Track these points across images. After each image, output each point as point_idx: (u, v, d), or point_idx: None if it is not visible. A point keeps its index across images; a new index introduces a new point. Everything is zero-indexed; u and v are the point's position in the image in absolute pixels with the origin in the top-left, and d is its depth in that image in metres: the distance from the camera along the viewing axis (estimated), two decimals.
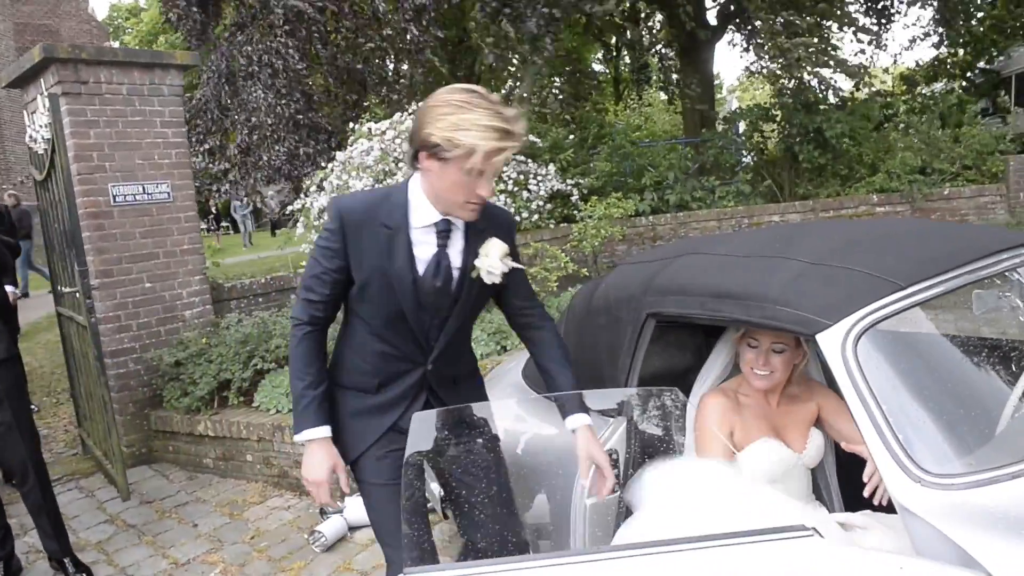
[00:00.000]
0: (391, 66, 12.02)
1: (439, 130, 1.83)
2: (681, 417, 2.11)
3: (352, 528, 4.21)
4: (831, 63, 10.73)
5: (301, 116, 11.06)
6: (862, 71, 12.11)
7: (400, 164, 8.63)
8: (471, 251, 2.07)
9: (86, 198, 5.11)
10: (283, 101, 10.88)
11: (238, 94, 11.10)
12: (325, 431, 2.09)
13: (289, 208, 9.70)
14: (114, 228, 5.30)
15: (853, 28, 12.99)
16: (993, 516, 1.56)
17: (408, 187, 2.05)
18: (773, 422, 2.32)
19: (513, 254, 2.14)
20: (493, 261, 2.05)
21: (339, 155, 9.22)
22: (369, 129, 9.33)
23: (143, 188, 5.43)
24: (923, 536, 1.56)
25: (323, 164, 11.07)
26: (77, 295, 4.89)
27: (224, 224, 25.62)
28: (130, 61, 5.30)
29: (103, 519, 4.64)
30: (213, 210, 24.61)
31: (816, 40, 10.24)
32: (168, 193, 5.57)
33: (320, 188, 9.26)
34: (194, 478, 5.24)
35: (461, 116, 1.82)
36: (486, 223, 2.07)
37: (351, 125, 10.10)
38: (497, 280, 2.08)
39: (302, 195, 9.67)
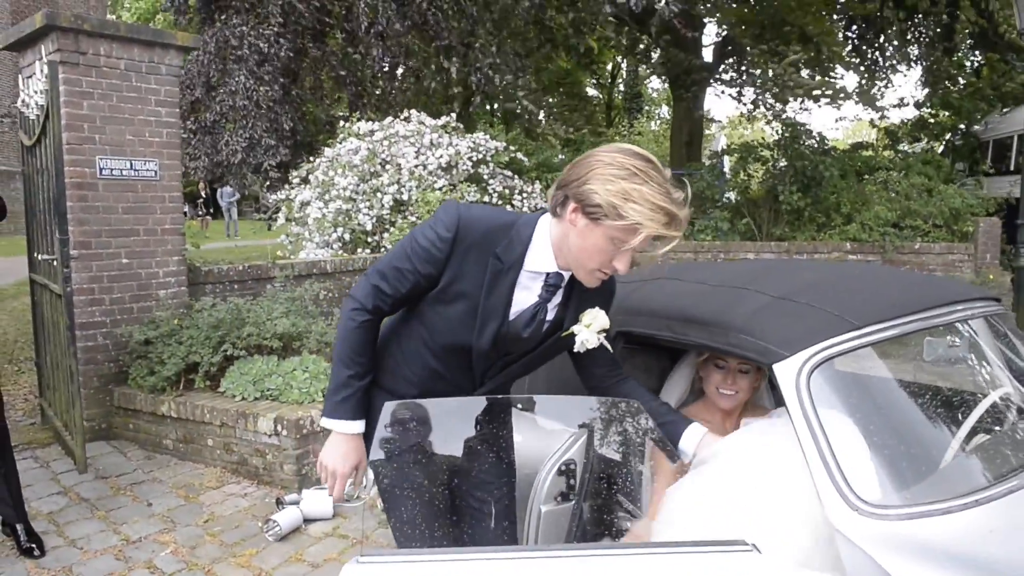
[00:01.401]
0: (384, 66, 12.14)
1: (606, 192, 1.69)
2: (643, 429, 2.19)
3: (308, 520, 4.23)
4: (826, 91, 11.04)
5: (276, 105, 11.13)
6: (872, 100, 12.43)
7: (387, 167, 8.72)
8: (569, 309, 1.97)
9: (73, 168, 5.11)
10: (263, 87, 10.95)
11: (227, 74, 11.16)
12: (360, 426, 1.98)
13: (273, 198, 9.72)
14: (97, 201, 5.30)
15: (837, 63, 13.40)
16: (923, 548, 1.66)
17: (536, 225, 1.90)
18: None
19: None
20: (591, 335, 1.95)
21: (327, 151, 9.29)
22: (359, 129, 9.41)
23: (131, 164, 5.44)
24: (856, 561, 1.65)
25: (278, 159, 11.20)
26: (54, 263, 4.88)
27: (211, 211, 25.28)
28: (131, 37, 5.33)
29: (56, 490, 4.61)
30: (203, 194, 24.33)
31: (802, 65, 10.56)
32: (155, 171, 5.58)
33: (305, 181, 9.31)
34: (152, 458, 5.22)
35: (634, 186, 1.69)
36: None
37: (342, 124, 10.17)
38: (579, 347, 1.99)
39: (286, 186, 9.72)
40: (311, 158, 9.59)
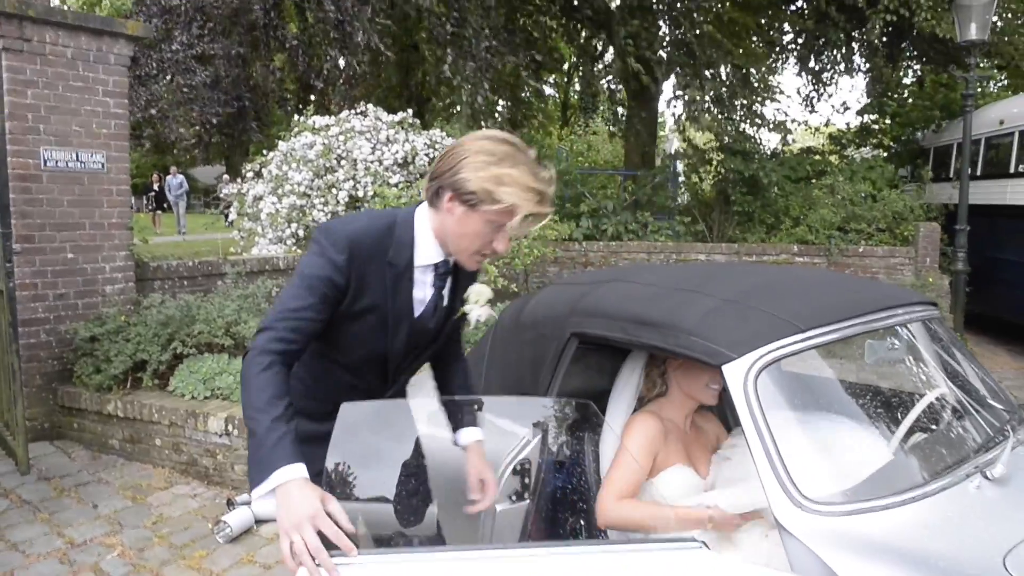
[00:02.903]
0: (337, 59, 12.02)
1: (479, 179, 1.75)
2: (596, 430, 2.23)
3: (259, 521, 4.17)
4: (760, 119, 11.32)
5: (218, 60, 10.99)
6: (788, 127, 12.79)
7: (342, 162, 8.64)
8: (456, 290, 2.03)
9: (16, 159, 4.97)
10: (203, 44, 10.82)
11: (168, 34, 11.00)
12: (303, 469, 1.65)
13: (225, 191, 9.55)
14: (41, 193, 5.16)
15: (779, 91, 13.84)
16: (863, 543, 1.73)
17: (414, 221, 1.94)
18: (687, 448, 2.47)
19: None
20: (482, 309, 2.02)
21: (281, 145, 9.15)
22: (313, 123, 9.30)
23: (76, 155, 5.30)
24: (798, 554, 1.72)
25: (218, 113, 11.03)
26: None
27: (163, 205, 24.41)
28: (79, 25, 5.19)
29: None
30: (155, 188, 23.58)
31: (758, 87, 10.79)
32: (102, 164, 5.45)
33: (258, 176, 9.17)
34: (97, 458, 5.10)
35: (503, 170, 1.75)
36: None
37: (297, 117, 10.04)
38: (474, 324, 2.08)
39: (238, 180, 9.56)
40: (260, 138, 9.41)
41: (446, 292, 2.02)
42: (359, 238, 1.87)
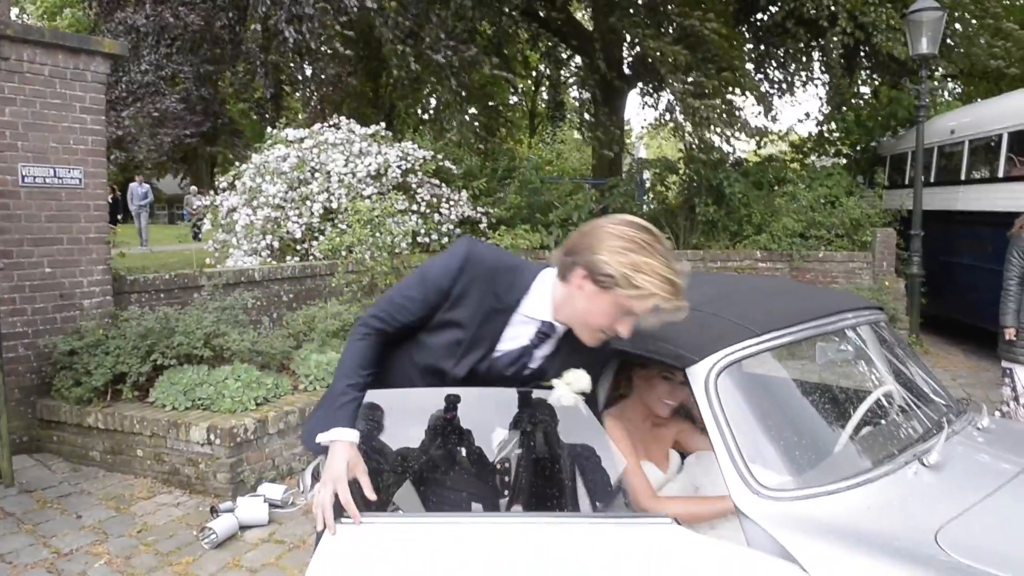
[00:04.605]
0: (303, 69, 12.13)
1: (617, 263, 1.78)
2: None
3: (243, 527, 4.30)
4: (735, 125, 11.60)
5: (188, 81, 11.05)
6: (763, 133, 13.10)
7: (316, 174, 8.75)
8: (555, 362, 2.02)
9: None
10: (172, 64, 10.89)
11: (137, 54, 11.03)
12: (355, 435, 1.91)
13: (198, 203, 9.59)
14: (19, 209, 5.21)
15: (755, 93, 14.16)
16: (812, 524, 1.93)
17: (539, 277, 1.98)
18: (647, 445, 2.66)
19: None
20: (568, 393, 1.98)
21: (255, 157, 9.24)
22: (287, 135, 9.40)
23: (54, 171, 5.37)
24: (755, 535, 1.91)
25: (190, 132, 11.06)
26: None
27: (119, 216, 23.76)
28: (56, 43, 5.27)
29: None
30: (109, 199, 23.11)
31: (719, 102, 11.06)
32: (80, 179, 5.52)
33: (232, 187, 9.24)
34: (78, 470, 5.16)
35: (643, 258, 1.79)
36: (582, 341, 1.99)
37: (269, 130, 10.12)
38: (553, 401, 2.03)
39: (210, 192, 9.61)
40: (232, 153, 9.53)
41: (540, 355, 2.02)
42: (479, 258, 1.95)
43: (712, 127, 10.79)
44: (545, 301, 1.96)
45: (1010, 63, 12.32)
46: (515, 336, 2.00)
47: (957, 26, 12.10)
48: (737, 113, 12.15)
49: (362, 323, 2.00)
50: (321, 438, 1.90)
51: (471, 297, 1.94)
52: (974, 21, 12.55)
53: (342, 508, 1.84)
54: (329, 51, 11.18)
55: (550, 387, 2.03)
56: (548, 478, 2.55)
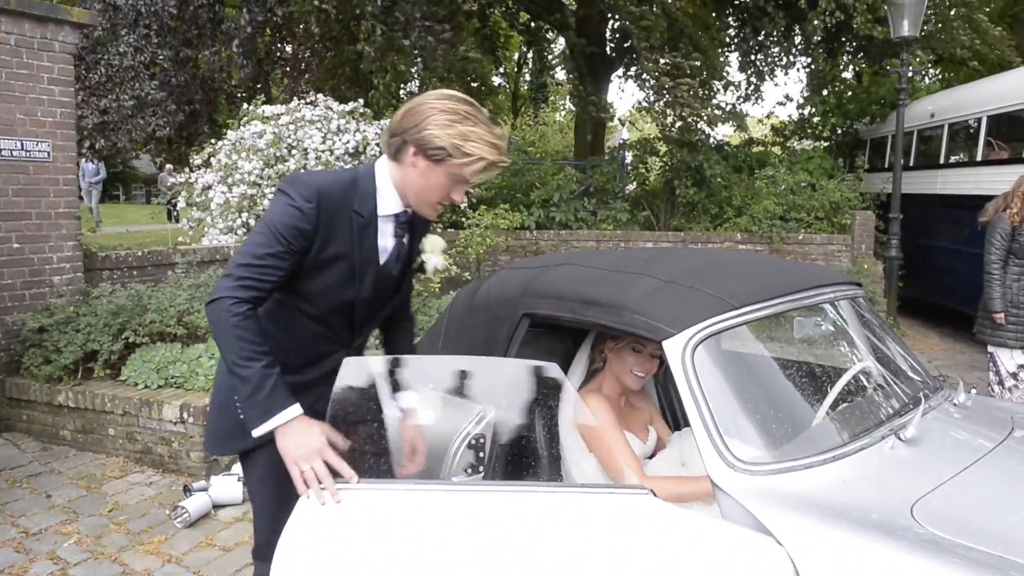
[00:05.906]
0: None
1: (447, 136, 1.90)
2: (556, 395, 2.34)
3: (217, 506, 4.24)
4: (708, 108, 11.58)
5: (168, 64, 10.86)
6: (739, 116, 13.11)
7: (293, 151, 8.61)
8: (415, 243, 2.20)
9: None
10: (151, 48, 10.70)
11: (115, 35, 10.83)
12: (300, 408, 1.92)
13: (172, 182, 9.42)
14: None
15: (724, 81, 14.18)
16: (787, 497, 1.91)
17: (375, 174, 2.07)
18: (626, 421, 2.64)
19: None
20: (438, 258, 2.20)
21: (230, 134, 9.07)
22: (263, 112, 9.23)
23: (21, 144, 5.23)
24: (730, 509, 1.89)
25: (169, 120, 10.87)
26: None
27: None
28: (22, 12, 5.11)
29: None
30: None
31: (694, 81, 11.02)
32: (48, 152, 5.38)
33: (207, 165, 9.07)
34: (48, 449, 5.07)
35: (468, 128, 1.91)
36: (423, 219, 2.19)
37: (245, 106, 9.94)
38: (431, 272, 2.25)
39: (185, 170, 9.44)
40: (212, 138, 9.36)
41: (405, 241, 2.16)
42: (327, 188, 1.99)
43: (685, 108, 10.73)
44: (392, 194, 2.07)
45: (976, 59, 12.39)
46: (386, 237, 2.11)
47: (931, 13, 12.11)
48: (714, 97, 12.14)
49: (230, 302, 1.88)
50: (268, 425, 1.89)
51: (339, 227, 2.00)
52: (952, 12, 12.59)
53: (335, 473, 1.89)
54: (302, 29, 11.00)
55: (422, 269, 2.24)
56: (522, 449, 2.53)
